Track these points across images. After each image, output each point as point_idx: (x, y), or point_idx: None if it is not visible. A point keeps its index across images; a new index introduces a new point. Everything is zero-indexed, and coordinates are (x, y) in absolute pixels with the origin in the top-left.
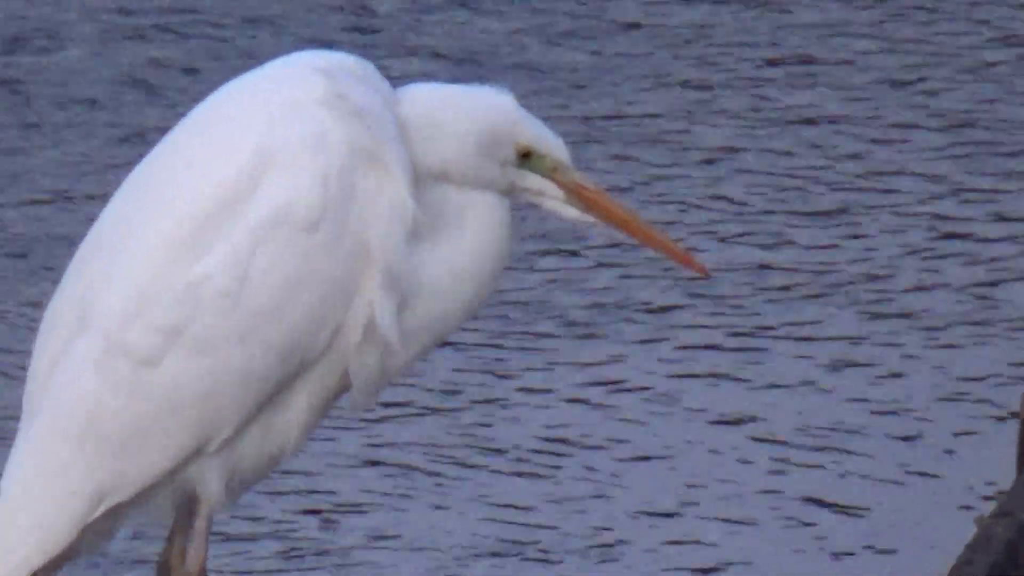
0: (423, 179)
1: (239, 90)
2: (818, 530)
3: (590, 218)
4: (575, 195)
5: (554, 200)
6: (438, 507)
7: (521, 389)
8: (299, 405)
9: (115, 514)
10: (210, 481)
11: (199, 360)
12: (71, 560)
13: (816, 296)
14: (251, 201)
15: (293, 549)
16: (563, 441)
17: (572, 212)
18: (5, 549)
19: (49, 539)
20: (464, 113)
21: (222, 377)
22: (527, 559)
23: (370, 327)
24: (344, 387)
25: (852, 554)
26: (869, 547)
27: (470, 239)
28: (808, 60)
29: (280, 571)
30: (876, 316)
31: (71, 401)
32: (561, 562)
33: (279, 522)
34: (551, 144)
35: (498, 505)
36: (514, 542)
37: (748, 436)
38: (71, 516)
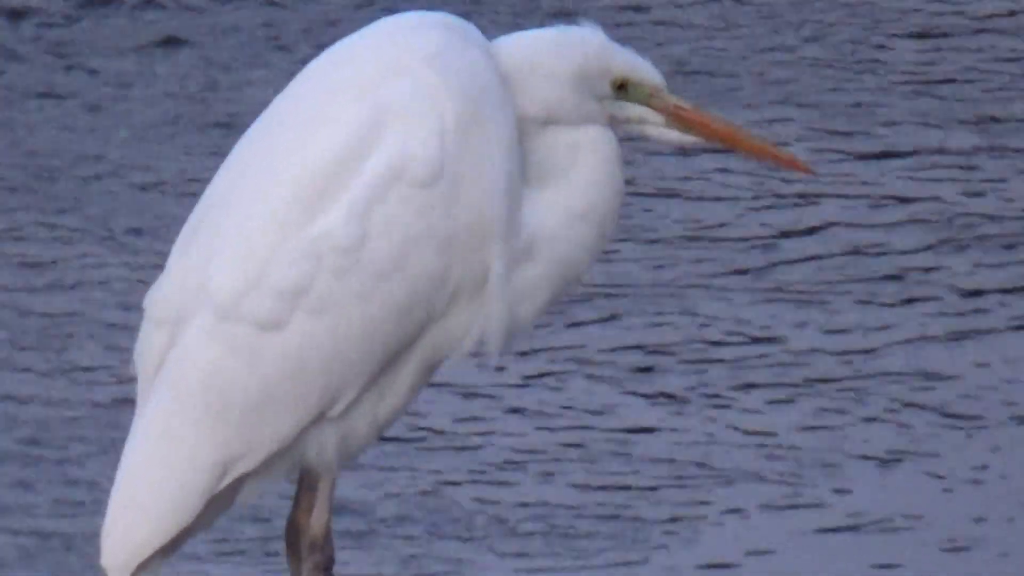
0: (530, 127)
1: (346, 52)
2: None
3: (692, 138)
4: (675, 117)
5: (655, 126)
6: None
7: None
8: (409, 367)
9: (235, 485)
10: (327, 448)
11: (322, 321)
12: (191, 535)
13: None
14: (367, 159)
15: None
16: None
17: (674, 135)
18: (130, 527)
19: (174, 515)
20: (557, 55)
21: (346, 337)
22: None
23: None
24: (452, 349)
25: None
26: None
27: (584, 176)
28: None
29: None
30: None
31: (192, 374)
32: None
33: None
34: (645, 71)
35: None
36: None
37: None
38: (197, 489)
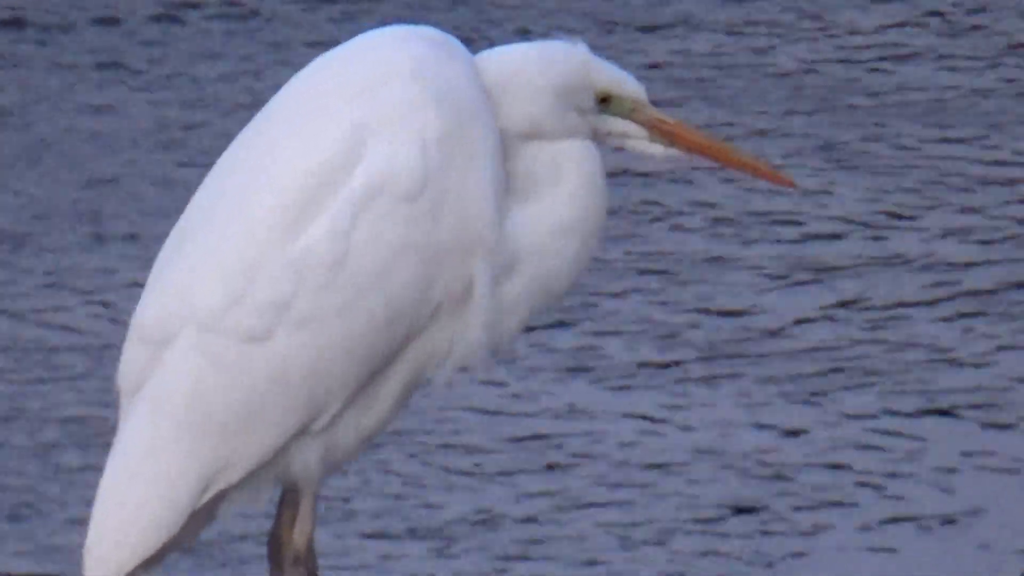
0: (514, 141)
1: (329, 65)
2: None
3: (675, 152)
4: (657, 131)
5: (638, 140)
6: None
7: None
8: (392, 381)
9: (218, 499)
10: (310, 462)
11: (305, 335)
12: (172, 551)
13: None
14: (350, 172)
15: None
16: None
17: (657, 149)
18: (111, 544)
19: (157, 529)
20: (540, 69)
21: (329, 351)
22: None
23: (472, 296)
24: (436, 363)
25: None
26: None
27: (568, 191)
28: None
29: None
30: None
31: (175, 388)
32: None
33: None
34: (627, 85)
35: None
36: None
37: None
38: (179, 504)
